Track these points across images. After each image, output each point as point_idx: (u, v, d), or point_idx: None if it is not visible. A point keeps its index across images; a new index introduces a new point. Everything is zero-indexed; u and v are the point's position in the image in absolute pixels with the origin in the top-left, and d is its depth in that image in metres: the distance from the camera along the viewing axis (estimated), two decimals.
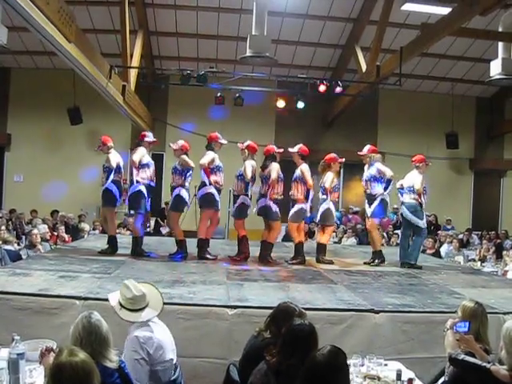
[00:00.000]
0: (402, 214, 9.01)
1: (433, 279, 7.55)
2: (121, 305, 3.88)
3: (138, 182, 8.40)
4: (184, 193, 8.43)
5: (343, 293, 6.23)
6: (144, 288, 3.99)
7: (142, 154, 8.46)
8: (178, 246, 8.57)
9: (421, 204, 8.61)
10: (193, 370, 4.47)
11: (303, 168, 8.52)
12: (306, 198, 8.54)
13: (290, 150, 8.75)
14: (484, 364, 3.58)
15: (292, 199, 8.63)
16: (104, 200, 8.63)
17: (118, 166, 8.62)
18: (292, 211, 8.59)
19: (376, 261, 8.74)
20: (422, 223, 8.69)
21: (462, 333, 3.93)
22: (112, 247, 8.58)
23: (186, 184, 8.49)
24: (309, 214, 8.95)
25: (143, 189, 8.41)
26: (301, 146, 8.80)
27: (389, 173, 8.59)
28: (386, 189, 8.64)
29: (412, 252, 8.72)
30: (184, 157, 8.43)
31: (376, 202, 8.62)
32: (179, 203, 8.49)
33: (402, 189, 8.78)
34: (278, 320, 3.82)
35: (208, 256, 8.51)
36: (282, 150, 8.75)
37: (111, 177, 8.49)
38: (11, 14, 8.23)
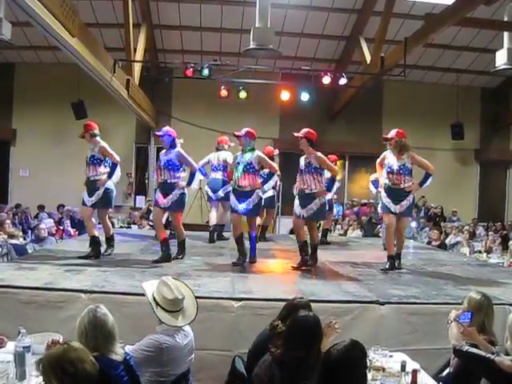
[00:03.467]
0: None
1: (438, 271, 7.55)
2: (156, 302, 3.85)
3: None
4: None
5: (348, 285, 6.24)
6: (181, 288, 3.98)
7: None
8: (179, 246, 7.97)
9: None
10: (199, 363, 4.48)
11: (320, 155, 7.24)
12: (329, 189, 7.56)
13: (296, 134, 7.37)
14: (488, 355, 3.59)
15: (308, 194, 7.23)
16: (103, 201, 7.56)
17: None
18: (314, 208, 7.20)
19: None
20: None
21: (464, 324, 3.94)
22: (111, 247, 7.86)
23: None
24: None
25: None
26: (308, 129, 7.36)
27: (432, 167, 7.32)
28: (422, 184, 7.30)
29: None
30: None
31: (410, 199, 7.29)
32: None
33: (376, 181, 8.99)
34: (289, 314, 3.81)
35: (224, 235, 9.86)
36: (277, 152, 8.75)
37: (116, 172, 7.58)
38: (15, 10, 8.25)
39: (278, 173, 7.91)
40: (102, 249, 7.72)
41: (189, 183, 7.61)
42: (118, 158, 7.51)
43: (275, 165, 7.74)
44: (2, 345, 4.14)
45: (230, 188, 8.40)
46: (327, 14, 14.74)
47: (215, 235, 9.83)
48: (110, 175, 7.48)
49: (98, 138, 7.55)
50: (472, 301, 4.13)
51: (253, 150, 7.53)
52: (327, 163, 7.31)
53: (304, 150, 7.36)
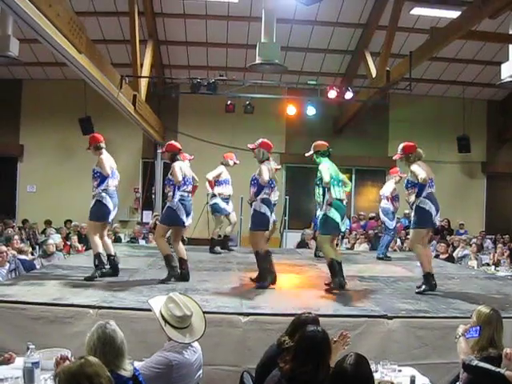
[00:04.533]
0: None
1: (446, 284, 7.50)
2: (164, 319, 3.84)
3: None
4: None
5: (356, 299, 6.22)
6: (189, 303, 3.97)
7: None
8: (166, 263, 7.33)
9: (391, 208, 10.16)
10: (207, 378, 4.46)
11: (321, 166, 6.98)
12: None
13: (307, 154, 7.37)
14: (498, 370, 3.56)
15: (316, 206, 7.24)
16: (93, 213, 7.22)
17: (112, 172, 7.35)
18: (316, 221, 7.27)
19: (423, 287, 6.85)
20: (391, 224, 10.23)
21: (473, 339, 3.91)
22: (100, 268, 7.10)
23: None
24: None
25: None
26: (315, 143, 7.35)
27: (421, 176, 6.70)
28: (418, 195, 6.85)
29: (380, 248, 10.48)
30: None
31: (413, 212, 7.03)
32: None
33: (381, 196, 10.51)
34: (297, 330, 3.80)
35: (215, 250, 10.33)
36: (279, 167, 8.83)
37: (104, 185, 7.17)
38: (22, 27, 8.33)
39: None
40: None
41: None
42: (108, 171, 7.15)
43: (266, 176, 6.98)
44: (10, 361, 4.14)
45: (214, 201, 10.10)
46: (332, 29, 14.80)
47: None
48: (99, 185, 7.15)
49: (102, 151, 7.38)
50: (481, 315, 4.08)
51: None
52: (322, 173, 6.85)
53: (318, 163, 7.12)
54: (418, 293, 6.73)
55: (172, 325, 3.81)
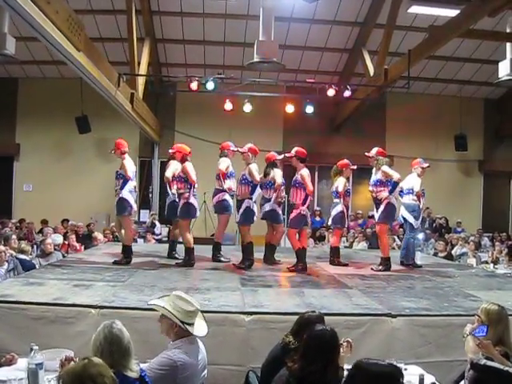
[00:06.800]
0: (401, 215, 9.31)
1: (447, 282, 7.51)
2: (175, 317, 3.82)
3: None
4: (194, 200, 8.55)
5: (359, 297, 6.20)
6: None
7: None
8: (186, 253, 8.51)
9: (419, 205, 9.11)
10: (211, 378, 4.42)
11: (303, 173, 8.20)
12: (304, 203, 8.17)
13: (287, 154, 8.56)
14: (506, 368, 3.54)
15: (291, 204, 8.46)
16: (119, 209, 8.32)
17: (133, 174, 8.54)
18: (291, 217, 8.28)
19: (380, 267, 8.52)
20: (416, 223, 9.13)
21: (480, 338, 3.88)
22: (127, 258, 8.43)
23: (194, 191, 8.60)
24: (309, 220, 8.89)
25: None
26: (297, 148, 8.48)
27: (396, 176, 8.39)
28: (391, 192, 8.48)
29: (407, 252, 9.17)
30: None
31: (382, 207, 8.47)
32: (189, 211, 8.51)
33: (402, 191, 9.22)
34: (305, 329, 3.77)
35: (222, 259, 9.01)
36: (282, 157, 9.08)
37: (127, 186, 8.30)
38: (19, 25, 8.27)
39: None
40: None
41: None
42: (130, 175, 8.33)
43: (257, 175, 8.56)
44: (12, 362, 4.11)
45: (223, 197, 8.73)
46: (330, 27, 14.80)
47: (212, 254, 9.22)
48: (122, 187, 8.28)
49: (125, 156, 8.46)
50: (491, 312, 4.03)
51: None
52: (304, 181, 8.12)
53: (295, 166, 8.38)
54: (376, 270, 8.40)
55: (183, 321, 3.77)
